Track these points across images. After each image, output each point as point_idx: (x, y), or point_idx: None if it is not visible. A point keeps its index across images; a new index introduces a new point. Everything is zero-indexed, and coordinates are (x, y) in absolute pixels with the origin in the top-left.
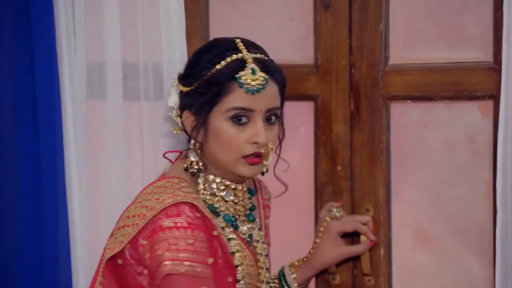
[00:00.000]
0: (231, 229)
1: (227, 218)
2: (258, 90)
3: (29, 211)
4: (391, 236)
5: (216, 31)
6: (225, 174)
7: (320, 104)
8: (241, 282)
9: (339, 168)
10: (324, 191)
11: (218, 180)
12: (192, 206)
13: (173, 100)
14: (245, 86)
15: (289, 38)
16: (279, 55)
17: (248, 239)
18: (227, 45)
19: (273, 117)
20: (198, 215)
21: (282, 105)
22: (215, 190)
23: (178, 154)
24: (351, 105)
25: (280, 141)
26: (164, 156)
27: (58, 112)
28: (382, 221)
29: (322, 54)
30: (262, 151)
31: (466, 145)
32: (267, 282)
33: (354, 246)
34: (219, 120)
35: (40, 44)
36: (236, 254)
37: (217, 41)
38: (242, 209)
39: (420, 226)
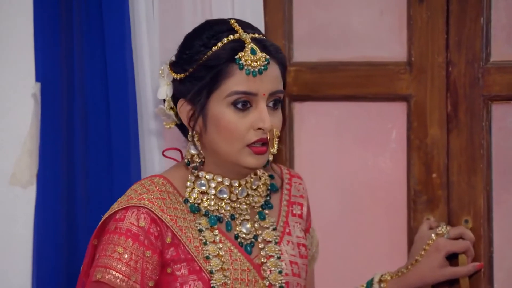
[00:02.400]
0: (216, 231)
1: (212, 220)
2: (260, 72)
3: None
4: (492, 250)
5: (300, 27)
6: (226, 168)
7: (414, 105)
8: None
9: (434, 175)
10: (418, 200)
11: (208, 176)
12: (144, 212)
13: (164, 91)
14: (245, 67)
15: (380, 33)
16: (368, 51)
17: (252, 239)
18: (221, 26)
19: (278, 101)
20: (143, 224)
21: (284, 88)
22: (204, 188)
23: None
24: (447, 106)
25: (281, 130)
26: (163, 154)
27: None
28: (482, 234)
29: (416, 50)
30: (268, 137)
31: None
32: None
33: (459, 268)
34: (219, 107)
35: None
36: (213, 259)
37: (209, 23)
38: (245, 206)
39: None
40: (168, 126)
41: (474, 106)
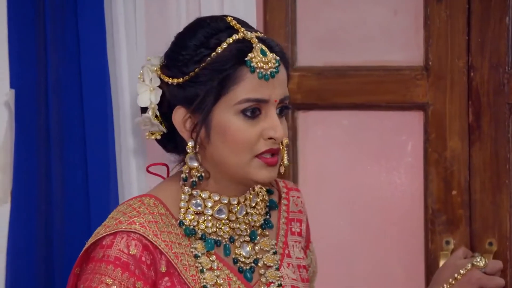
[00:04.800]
0: (213, 256)
1: (209, 244)
2: (272, 75)
3: None
4: None
5: (305, 27)
6: (228, 183)
7: (431, 115)
8: None
9: (454, 192)
10: (436, 220)
11: (204, 195)
12: (135, 238)
13: (146, 98)
14: (258, 70)
15: (394, 35)
16: (381, 55)
17: (252, 264)
18: (218, 24)
19: (286, 107)
20: (134, 251)
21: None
22: (200, 208)
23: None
24: (469, 115)
25: None
26: (147, 170)
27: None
28: (508, 258)
29: (434, 54)
30: (280, 147)
31: None
32: None
33: None
34: (226, 115)
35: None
36: None
37: (204, 20)
38: (245, 226)
39: None
40: (152, 137)
41: (498, 116)
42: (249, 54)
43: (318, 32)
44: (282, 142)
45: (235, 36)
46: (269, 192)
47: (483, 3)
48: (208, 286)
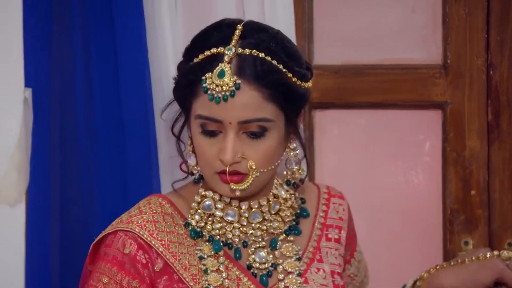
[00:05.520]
0: (221, 258)
1: (216, 245)
2: (224, 98)
3: None
4: None
5: (322, 25)
6: None
7: (450, 114)
8: None
9: (473, 192)
10: (455, 221)
11: (216, 197)
12: (130, 237)
13: None
14: (209, 92)
15: (412, 33)
16: (398, 53)
17: (270, 268)
18: (220, 34)
19: (258, 131)
20: (128, 250)
21: (290, 113)
22: (210, 209)
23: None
24: (488, 114)
25: (303, 157)
26: (181, 168)
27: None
28: None
29: (452, 51)
30: (239, 170)
31: None
32: None
33: None
34: (193, 126)
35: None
36: None
37: (215, 25)
38: (260, 233)
39: None
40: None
41: None
42: (207, 73)
43: (335, 30)
44: (251, 166)
45: (213, 50)
46: (302, 201)
47: (502, 0)
48: (211, 287)
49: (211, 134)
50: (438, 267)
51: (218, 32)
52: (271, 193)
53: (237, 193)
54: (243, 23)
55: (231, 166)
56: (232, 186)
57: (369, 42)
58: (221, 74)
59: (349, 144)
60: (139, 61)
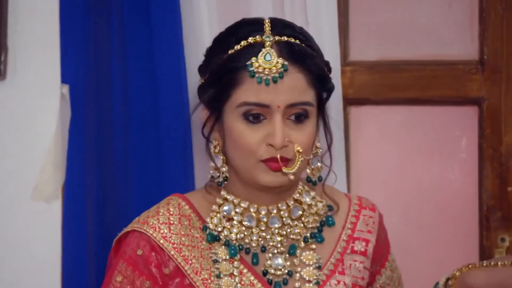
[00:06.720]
0: (236, 263)
1: (232, 249)
2: (274, 80)
3: None
4: None
5: (357, 21)
6: (250, 189)
7: (486, 110)
8: None
9: (510, 188)
10: (491, 217)
11: (236, 201)
12: (144, 239)
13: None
14: (256, 75)
15: (448, 28)
16: (435, 49)
17: (286, 276)
18: (251, 27)
19: (303, 114)
20: (141, 252)
21: (322, 100)
22: (229, 213)
23: None
24: None
25: (328, 147)
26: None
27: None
28: None
29: (489, 47)
30: (286, 156)
31: None
32: None
33: None
34: (232, 118)
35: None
36: None
37: (242, 22)
38: (279, 238)
39: None
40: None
41: None
42: (252, 58)
43: (370, 26)
44: (298, 150)
45: (250, 39)
46: (330, 208)
47: None
48: None
49: (255, 120)
50: (470, 266)
51: (249, 25)
52: (291, 198)
53: (291, 177)
54: (268, 18)
55: (280, 151)
56: (284, 170)
57: (405, 38)
58: (268, 57)
59: (385, 140)
60: (175, 57)
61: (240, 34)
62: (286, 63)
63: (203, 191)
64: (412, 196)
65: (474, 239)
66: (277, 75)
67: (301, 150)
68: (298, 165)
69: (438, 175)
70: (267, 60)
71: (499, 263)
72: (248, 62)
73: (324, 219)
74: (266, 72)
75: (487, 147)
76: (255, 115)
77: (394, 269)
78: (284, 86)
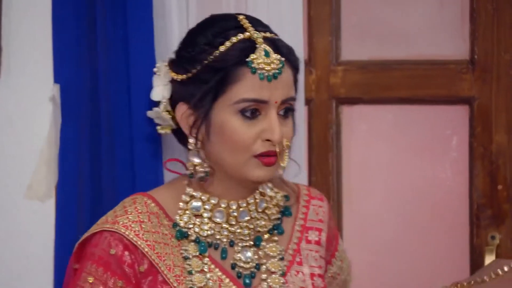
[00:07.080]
0: (206, 259)
1: (202, 246)
2: (274, 76)
3: None
4: None
5: (349, 21)
6: (230, 183)
7: (477, 109)
8: None
9: (500, 187)
10: (482, 215)
11: (204, 197)
12: (116, 238)
13: (160, 93)
14: (258, 71)
15: (439, 28)
16: (426, 49)
17: (253, 269)
18: (228, 23)
19: (290, 109)
20: (114, 251)
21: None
22: (198, 210)
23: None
24: None
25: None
26: (165, 166)
27: None
28: None
29: (479, 47)
30: (277, 150)
31: None
32: None
33: None
34: (224, 114)
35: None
36: None
37: (215, 18)
38: (248, 231)
39: None
40: (163, 132)
41: None
42: (251, 55)
43: (362, 26)
44: (282, 143)
45: (240, 36)
46: (286, 198)
47: None
48: (192, 286)
49: (251, 116)
50: (459, 285)
51: (225, 21)
52: (257, 191)
53: (281, 171)
54: (241, 14)
55: (272, 146)
56: (282, 164)
57: (396, 38)
58: (267, 54)
59: (376, 139)
60: (147, 57)
61: (223, 30)
62: (282, 59)
63: (167, 188)
64: (403, 195)
65: (464, 237)
66: (277, 71)
67: (289, 144)
68: (287, 159)
69: (429, 174)
70: (267, 57)
71: (485, 277)
72: (249, 59)
73: (283, 209)
74: (268, 68)
75: (478, 145)
76: (252, 111)
77: (343, 259)
78: (281, 82)
